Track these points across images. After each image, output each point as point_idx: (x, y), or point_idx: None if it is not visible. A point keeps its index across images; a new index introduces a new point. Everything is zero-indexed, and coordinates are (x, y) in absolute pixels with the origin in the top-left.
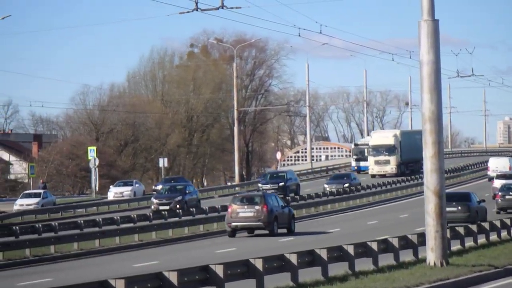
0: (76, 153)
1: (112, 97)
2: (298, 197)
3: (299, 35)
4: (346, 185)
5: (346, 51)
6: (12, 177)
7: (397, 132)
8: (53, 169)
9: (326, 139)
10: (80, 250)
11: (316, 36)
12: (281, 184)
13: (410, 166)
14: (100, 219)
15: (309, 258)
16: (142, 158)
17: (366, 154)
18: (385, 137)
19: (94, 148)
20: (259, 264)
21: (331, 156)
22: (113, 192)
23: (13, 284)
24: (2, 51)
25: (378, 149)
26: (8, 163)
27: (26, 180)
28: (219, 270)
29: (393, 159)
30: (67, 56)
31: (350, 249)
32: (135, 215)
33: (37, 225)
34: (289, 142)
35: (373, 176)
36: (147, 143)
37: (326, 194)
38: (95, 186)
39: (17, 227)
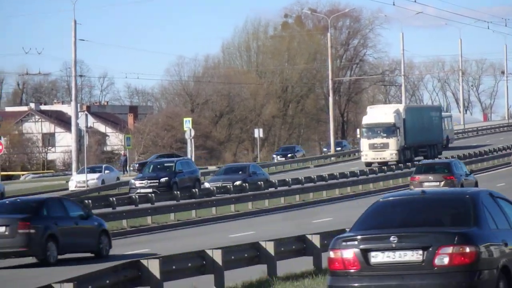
0: (172, 124)
1: (207, 68)
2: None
3: (393, 4)
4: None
5: (441, 20)
6: (108, 148)
7: (400, 107)
8: (149, 141)
9: None
10: (177, 221)
11: (410, 5)
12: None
13: (421, 151)
14: (196, 190)
15: None
16: (237, 129)
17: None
18: (383, 113)
19: (190, 119)
20: None
21: None
22: (75, 181)
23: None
24: (97, 23)
25: (373, 129)
26: (104, 135)
27: (122, 152)
28: (316, 240)
29: (393, 142)
30: (162, 27)
31: None
32: (231, 186)
33: (134, 196)
34: None
35: (368, 164)
36: (242, 113)
37: None
38: (191, 157)
39: (114, 198)
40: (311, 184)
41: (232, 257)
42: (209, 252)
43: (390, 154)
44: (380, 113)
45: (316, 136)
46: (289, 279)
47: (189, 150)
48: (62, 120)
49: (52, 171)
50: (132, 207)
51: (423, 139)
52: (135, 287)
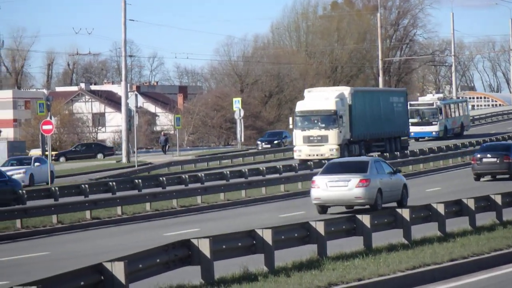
0: (221, 104)
1: (256, 48)
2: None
3: None
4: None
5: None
6: (158, 128)
7: (346, 90)
8: (198, 121)
9: (472, 88)
10: (227, 200)
11: None
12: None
13: (376, 146)
14: (246, 170)
15: (457, 208)
16: (286, 109)
17: (425, 116)
18: (323, 98)
19: (239, 99)
20: (406, 214)
21: (477, 106)
22: None
23: (160, 234)
24: (147, 3)
25: (309, 118)
26: (154, 115)
27: (172, 132)
28: (366, 220)
29: (333, 135)
30: (212, 7)
31: (498, 199)
32: (280, 166)
33: (183, 176)
34: (434, 92)
35: (302, 162)
36: (292, 94)
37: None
38: (241, 137)
39: (164, 178)
40: None
41: (282, 237)
42: (259, 231)
43: (329, 149)
44: (319, 98)
45: None
46: (339, 259)
47: (238, 130)
48: (112, 100)
49: None
50: (182, 186)
51: (379, 131)
52: (185, 266)
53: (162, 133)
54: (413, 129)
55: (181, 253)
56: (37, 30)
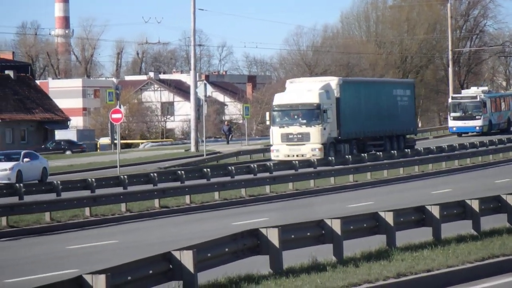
0: None
1: (325, 38)
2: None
3: None
4: None
5: None
6: (226, 117)
7: (333, 81)
8: (267, 110)
9: None
10: (295, 190)
11: None
12: None
13: (373, 145)
14: (315, 160)
15: None
16: None
17: (468, 110)
18: (306, 89)
19: None
20: (475, 205)
21: None
22: None
23: (228, 223)
24: None
25: (288, 113)
26: (222, 104)
27: (241, 121)
28: (435, 211)
29: (315, 133)
30: None
31: None
32: (349, 156)
33: (252, 165)
34: (504, 83)
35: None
36: None
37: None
38: None
39: (233, 167)
40: (431, 155)
41: (351, 227)
42: (328, 221)
43: (311, 149)
44: (300, 90)
45: (435, 107)
46: (408, 249)
47: None
48: (181, 89)
49: (171, 139)
50: (251, 176)
51: (376, 128)
52: (253, 256)
53: (226, 122)
54: (455, 124)
55: (250, 243)
56: (107, 19)
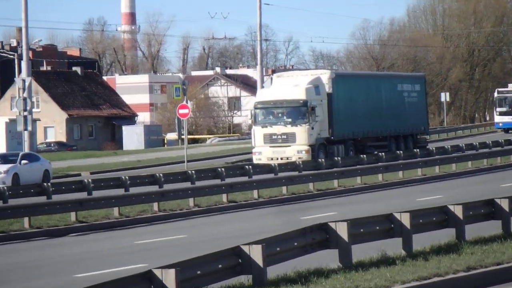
0: None
1: (392, 32)
2: None
3: None
4: None
5: None
6: None
7: (324, 75)
8: None
9: None
10: (364, 184)
11: None
12: None
13: (375, 146)
14: (383, 154)
15: None
16: None
17: None
18: (292, 84)
19: None
20: None
21: None
22: None
23: (297, 218)
24: None
25: (272, 111)
26: None
27: None
28: (505, 204)
29: (301, 133)
30: None
31: None
32: (417, 150)
33: (320, 160)
34: None
35: (268, 165)
36: (428, 77)
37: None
38: None
39: (300, 162)
40: (499, 148)
41: (420, 221)
42: (397, 215)
43: (297, 151)
44: (287, 85)
45: None
46: (478, 243)
47: None
48: (248, 84)
49: (237, 134)
50: (320, 170)
51: (378, 128)
52: (322, 250)
53: None
54: (501, 119)
55: (319, 237)
56: (173, 14)
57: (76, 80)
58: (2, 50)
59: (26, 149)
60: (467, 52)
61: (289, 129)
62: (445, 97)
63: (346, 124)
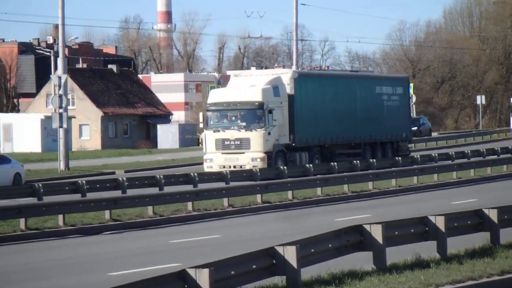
0: None
1: (428, 34)
2: None
3: None
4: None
5: None
6: None
7: (285, 74)
8: None
9: None
10: (398, 186)
11: None
12: None
13: (348, 155)
14: (418, 156)
15: None
16: (459, 95)
17: None
18: (248, 85)
19: (411, 84)
20: None
21: None
22: None
23: (331, 219)
24: None
25: (224, 114)
26: None
27: None
28: None
29: (256, 139)
30: None
31: None
32: (453, 152)
33: (354, 162)
34: None
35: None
36: (464, 80)
37: None
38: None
39: (335, 164)
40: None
41: (455, 224)
42: (432, 218)
43: (251, 159)
44: (242, 85)
45: None
46: None
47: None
48: None
49: None
50: (354, 172)
51: (350, 134)
52: (356, 252)
53: None
54: None
55: (353, 239)
56: (209, 13)
57: (112, 78)
58: (38, 47)
59: (61, 146)
60: (503, 54)
61: (243, 134)
62: (480, 100)
63: (310, 130)
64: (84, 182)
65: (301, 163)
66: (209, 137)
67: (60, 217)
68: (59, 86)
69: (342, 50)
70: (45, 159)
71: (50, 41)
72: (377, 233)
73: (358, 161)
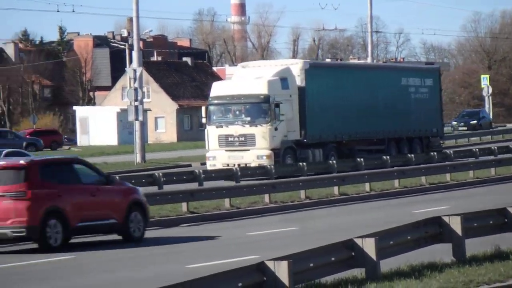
0: (468, 81)
1: (503, 25)
2: None
3: None
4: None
5: None
6: None
7: (295, 65)
8: (446, 98)
9: None
10: (476, 178)
11: None
12: None
13: (369, 151)
14: (495, 148)
15: None
16: None
17: None
18: (255, 76)
19: (487, 76)
20: None
21: None
22: None
23: (408, 211)
24: None
25: (228, 108)
26: None
27: None
28: None
29: (262, 134)
30: None
31: None
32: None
33: (432, 153)
34: None
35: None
36: None
37: None
38: (490, 115)
39: (412, 156)
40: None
41: None
42: (510, 209)
43: (256, 157)
44: (249, 77)
45: None
46: None
47: (486, 107)
48: None
49: None
50: (432, 164)
51: (371, 129)
52: (435, 244)
53: None
54: None
55: (432, 230)
56: (283, 5)
57: (186, 70)
58: (113, 40)
59: (138, 139)
60: None
61: (247, 129)
62: None
63: (324, 125)
64: (161, 174)
65: (314, 161)
66: (211, 133)
67: None
68: (134, 79)
69: (417, 41)
70: (121, 152)
71: (125, 34)
72: (456, 224)
73: (412, 155)
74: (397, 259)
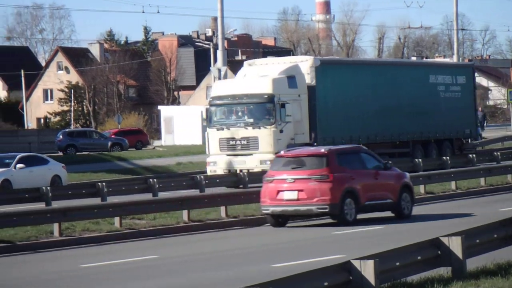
0: None
1: None
2: None
3: None
4: None
5: None
6: (491, 103)
7: (304, 62)
8: None
9: None
10: None
11: None
12: None
13: (392, 155)
14: None
15: None
16: None
17: None
18: (260, 74)
19: None
20: None
21: None
22: None
23: (496, 209)
24: None
25: (229, 109)
26: (486, 89)
27: (506, 106)
28: None
29: (266, 138)
30: None
31: None
32: None
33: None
34: None
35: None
36: None
37: None
38: None
39: (498, 153)
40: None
41: None
42: None
43: (260, 162)
44: (254, 76)
45: None
46: None
47: None
48: None
49: None
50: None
51: (394, 130)
52: None
53: (480, 109)
54: None
55: None
56: (368, 4)
57: None
58: (197, 40)
59: None
60: None
61: (250, 132)
62: None
63: (337, 127)
64: (245, 174)
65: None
66: (212, 136)
67: (223, 208)
68: (219, 78)
69: (503, 38)
70: (205, 152)
71: (209, 33)
72: None
73: (473, 155)
74: (482, 258)
